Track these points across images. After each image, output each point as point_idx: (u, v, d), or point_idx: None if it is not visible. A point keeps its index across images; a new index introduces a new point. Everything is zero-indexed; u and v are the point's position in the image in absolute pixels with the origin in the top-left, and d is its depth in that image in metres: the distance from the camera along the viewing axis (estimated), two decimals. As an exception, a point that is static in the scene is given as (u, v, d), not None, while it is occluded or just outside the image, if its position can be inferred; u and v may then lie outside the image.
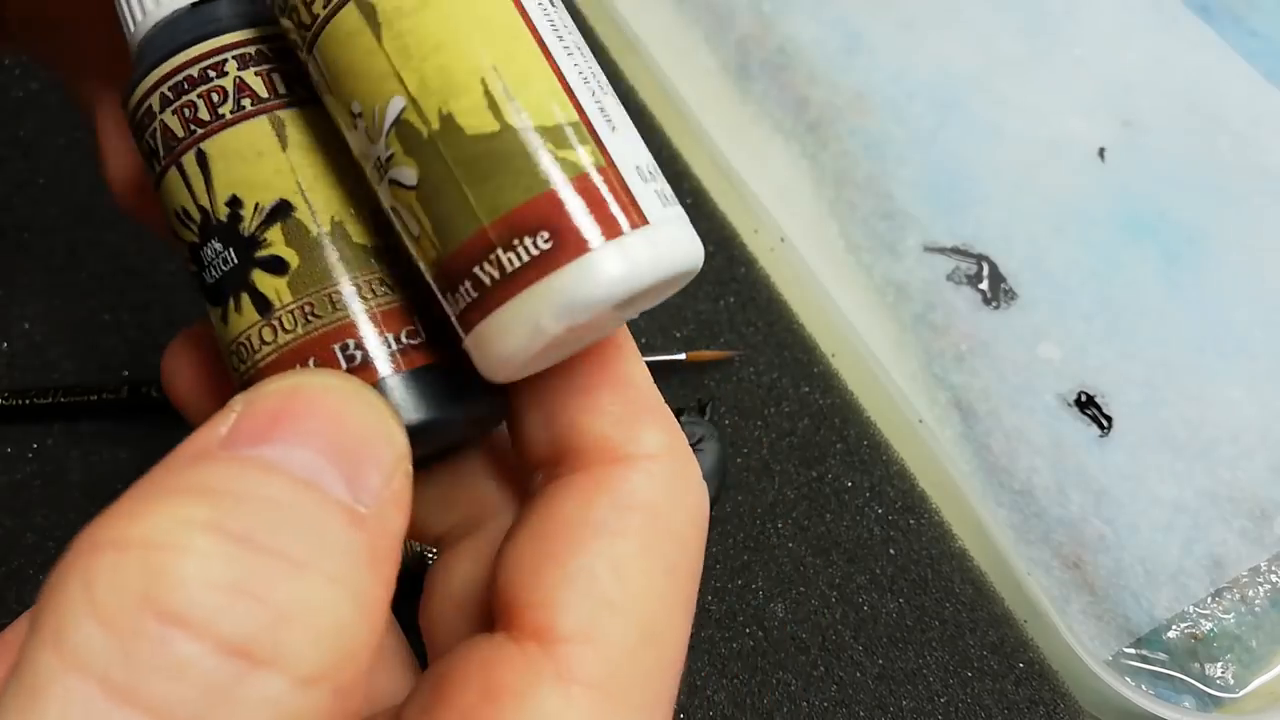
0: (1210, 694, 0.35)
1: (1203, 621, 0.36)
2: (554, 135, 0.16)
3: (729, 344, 0.38)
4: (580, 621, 0.15)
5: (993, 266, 0.42)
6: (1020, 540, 0.37)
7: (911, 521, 0.36)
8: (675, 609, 0.16)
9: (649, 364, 0.37)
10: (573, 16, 0.18)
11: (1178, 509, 0.37)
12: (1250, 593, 0.36)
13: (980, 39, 0.48)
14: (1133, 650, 0.35)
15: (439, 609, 0.20)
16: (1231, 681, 0.35)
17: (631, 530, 0.16)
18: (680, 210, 0.17)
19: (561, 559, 0.16)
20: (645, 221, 0.16)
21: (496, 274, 0.15)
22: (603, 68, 0.17)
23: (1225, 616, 0.36)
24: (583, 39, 0.17)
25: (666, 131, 0.43)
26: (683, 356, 0.37)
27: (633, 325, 0.38)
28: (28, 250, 0.39)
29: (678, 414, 0.35)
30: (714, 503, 0.35)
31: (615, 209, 0.16)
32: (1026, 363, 0.40)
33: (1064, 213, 0.43)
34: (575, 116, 0.16)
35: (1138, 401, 0.39)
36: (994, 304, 0.41)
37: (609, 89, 0.17)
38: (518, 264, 0.15)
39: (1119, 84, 0.47)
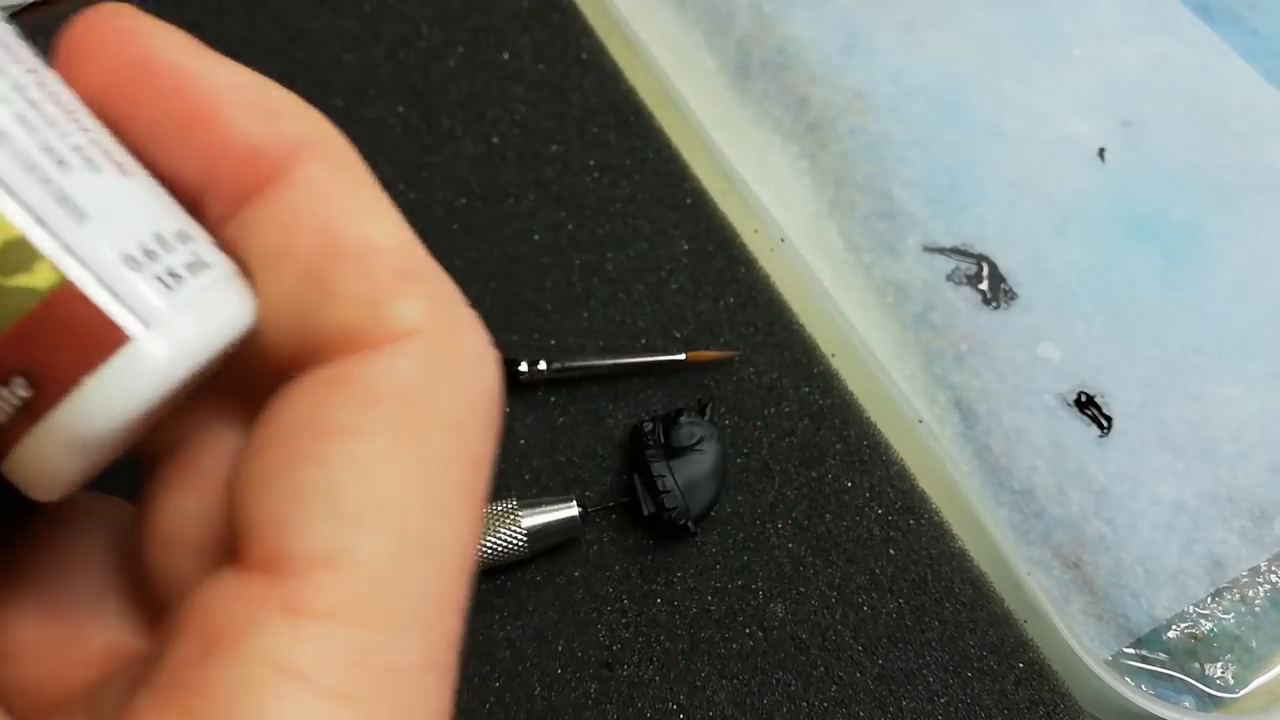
0: (1210, 694, 0.35)
1: (1203, 621, 0.36)
2: None
3: (729, 344, 0.38)
4: (318, 545, 0.13)
5: (993, 266, 0.42)
6: (1020, 540, 0.37)
7: (911, 522, 0.36)
8: (452, 510, 0.14)
9: (648, 365, 0.37)
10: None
11: (1178, 509, 0.37)
12: (1250, 593, 0.36)
13: (980, 39, 0.48)
14: (1133, 650, 0.35)
15: (161, 559, 0.16)
16: (1231, 681, 0.35)
17: (382, 427, 0.13)
18: (210, 274, 0.14)
19: (294, 472, 0.13)
20: (127, 337, 0.13)
21: None
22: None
23: (1225, 616, 0.36)
24: (51, 80, 0.14)
25: (666, 131, 0.43)
26: (683, 356, 0.37)
27: (632, 325, 0.39)
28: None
29: (677, 414, 0.35)
30: (714, 503, 0.35)
31: (92, 330, 0.13)
32: (1026, 363, 0.40)
33: (1064, 213, 0.43)
34: (16, 231, 0.13)
35: (1138, 401, 0.39)
36: (994, 304, 0.41)
37: (91, 144, 0.14)
38: (8, 413, 0.13)
39: (1119, 84, 0.47)
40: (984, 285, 0.41)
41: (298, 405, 0.14)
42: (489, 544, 0.32)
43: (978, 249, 0.42)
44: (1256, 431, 0.38)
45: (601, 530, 0.35)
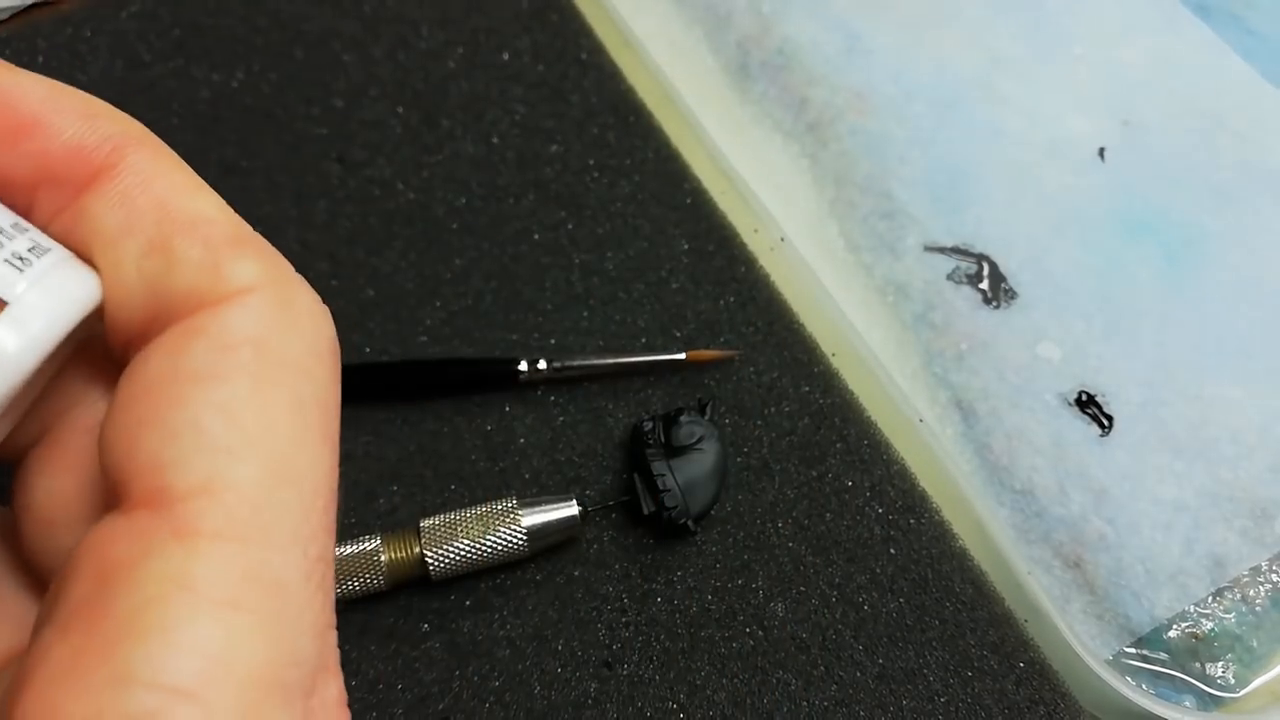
0: (1211, 693, 0.35)
1: (1203, 621, 0.36)
2: None
3: (729, 344, 0.38)
4: (195, 476, 0.14)
5: (993, 266, 0.42)
6: (1020, 540, 0.37)
7: (911, 521, 0.36)
8: (310, 442, 0.15)
9: (648, 364, 0.37)
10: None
11: (1178, 508, 0.37)
12: (1251, 592, 0.36)
13: (980, 39, 0.48)
14: (1133, 650, 0.35)
15: (46, 545, 0.17)
16: (1232, 681, 0.35)
17: (238, 370, 0.15)
18: (52, 257, 0.15)
19: (163, 416, 0.14)
20: None
21: None
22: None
23: (1226, 616, 0.36)
24: None
25: (666, 131, 0.43)
26: (683, 356, 0.37)
27: (632, 324, 0.39)
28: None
29: (677, 414, 0.35)
30: (714, 503, 0.35)
31: None
32: (1026, 362, 0.40)
33: (1064, 213, 0.43)
34: None
35: (1138, 401, 0.39)
36: (994, 304, 0.41)
37: None
38: None
39: (1119, 84, 0.47)
40: (984, 285, 0.41)
41: (158, 359, 0.15)
42: (489, 543, 0.32)
43: (978, 249, 0.42)
44: (1256, 431, 0.38)
45: (601, 529, 0.35)
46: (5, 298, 0.14)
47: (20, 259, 0.15)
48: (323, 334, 0.16)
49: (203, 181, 0.16)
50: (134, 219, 0.16)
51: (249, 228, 0.16)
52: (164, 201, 0.16)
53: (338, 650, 0.15)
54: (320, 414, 0.15)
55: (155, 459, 0.14)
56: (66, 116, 0.16)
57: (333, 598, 0.15)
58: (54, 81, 0.16)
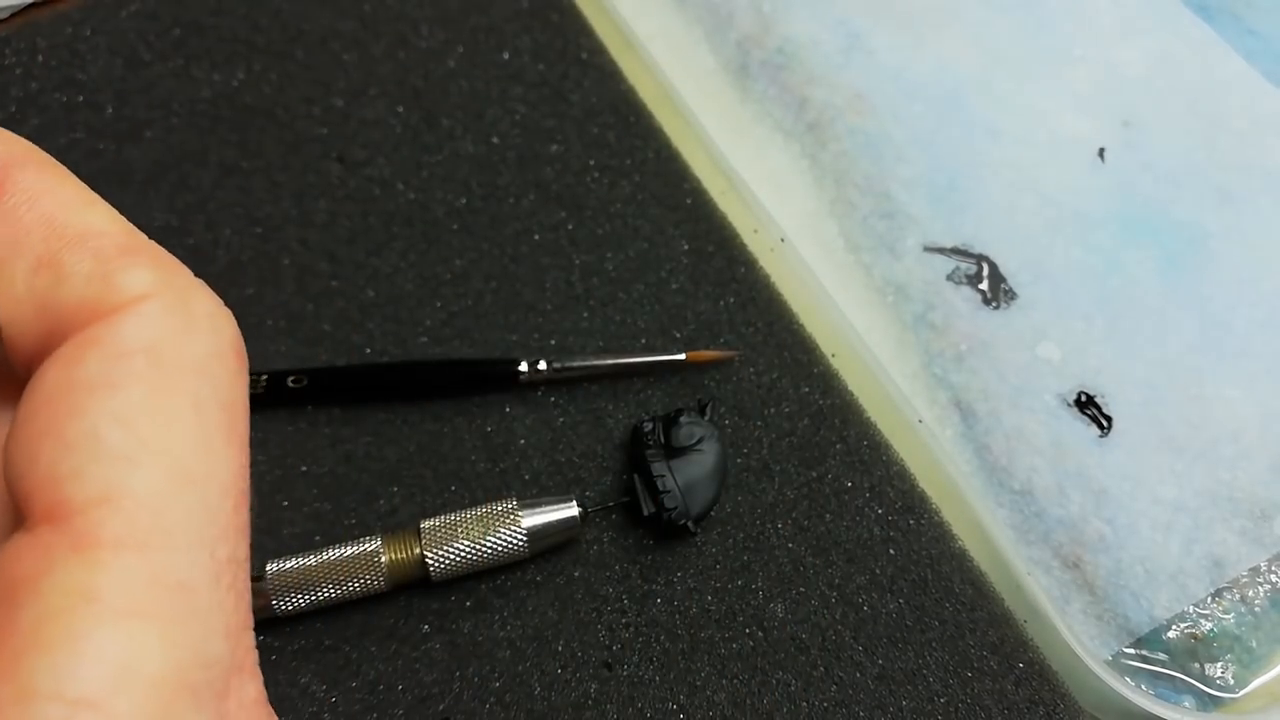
0: (1210, 694, 0.35)
1: (1203, 621, 0.36)
2: None
3: (729, 344, 0.38)
4: (94, 486, 0.14)
5: (993, 266, 0.42)
6: (1020, 540, 0.37)
7: (911, 521, 0.36)
8: (214, 445, 0.15)
9: (648, 365, 0.37)
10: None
11: (1178, 509, 0.37)
12: (1250, 593, 0.36)
13: (980, 39, 0.48)
14: (1133, 650, 0.35)
15: None
16: (1231, 681, 0.35)
17: (133, 377, 0.15)
18: None
19: (59, 428, 0.14)
20: None
21: None
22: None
23: (1225, 616, 0.36)
24: None
25: (666, 131, 0.43)
26: (683, 356, 0.37)
27: (631, 325, 0.39)
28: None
29: (677, 414, 0.35)
30: (714, 503, 0.35)
31: None
32: (1026, 363, 0.40)
33: (1064, 213, 0.43)
34: None
35: (1138, 401, 0.39)
36: (994, 304, 0.41)
37: None
38: None
39: (1119, 84, 0.47)
40: (984, 285, 0.41)
41: (53, 373, 0.15)
42: (489, 544, 0.32)
43: (978, 249, 0.42)
44: (1256, 431, 0.38)
45: (601, 530, 0.35)
46: None
47: None
48: (223, 336, 0.16)
49: (95, 195, 0.16)
50: (20, 237, 0.15)
51: (144, 237, 0.16)
52: (51, 217, 0.16)
53: (255, 651, 0.15)
54: (224, 416, 0.15)
55: (53, 472, 0.14)
56: None
57: (248, 598, 0.15)
58: None
